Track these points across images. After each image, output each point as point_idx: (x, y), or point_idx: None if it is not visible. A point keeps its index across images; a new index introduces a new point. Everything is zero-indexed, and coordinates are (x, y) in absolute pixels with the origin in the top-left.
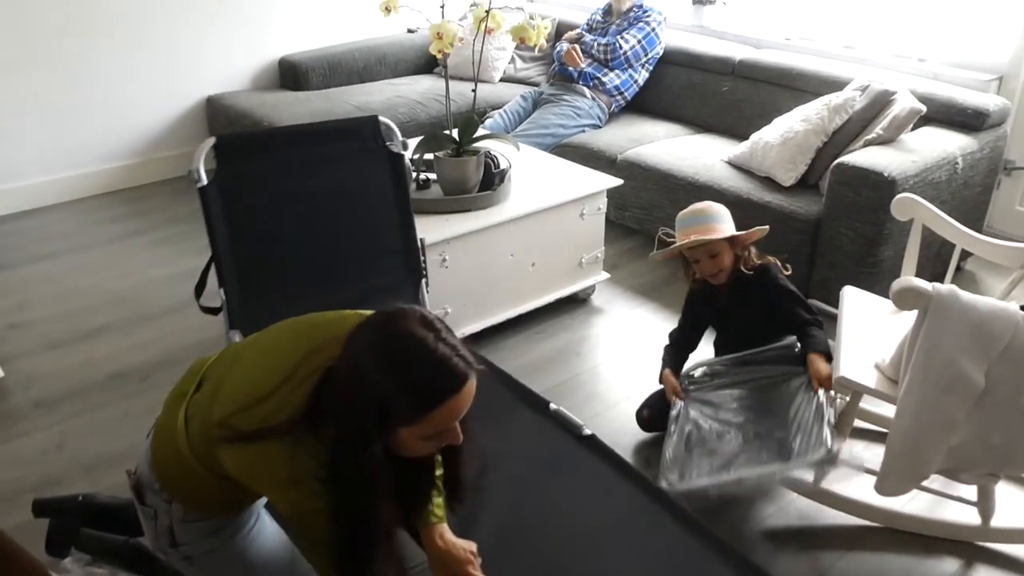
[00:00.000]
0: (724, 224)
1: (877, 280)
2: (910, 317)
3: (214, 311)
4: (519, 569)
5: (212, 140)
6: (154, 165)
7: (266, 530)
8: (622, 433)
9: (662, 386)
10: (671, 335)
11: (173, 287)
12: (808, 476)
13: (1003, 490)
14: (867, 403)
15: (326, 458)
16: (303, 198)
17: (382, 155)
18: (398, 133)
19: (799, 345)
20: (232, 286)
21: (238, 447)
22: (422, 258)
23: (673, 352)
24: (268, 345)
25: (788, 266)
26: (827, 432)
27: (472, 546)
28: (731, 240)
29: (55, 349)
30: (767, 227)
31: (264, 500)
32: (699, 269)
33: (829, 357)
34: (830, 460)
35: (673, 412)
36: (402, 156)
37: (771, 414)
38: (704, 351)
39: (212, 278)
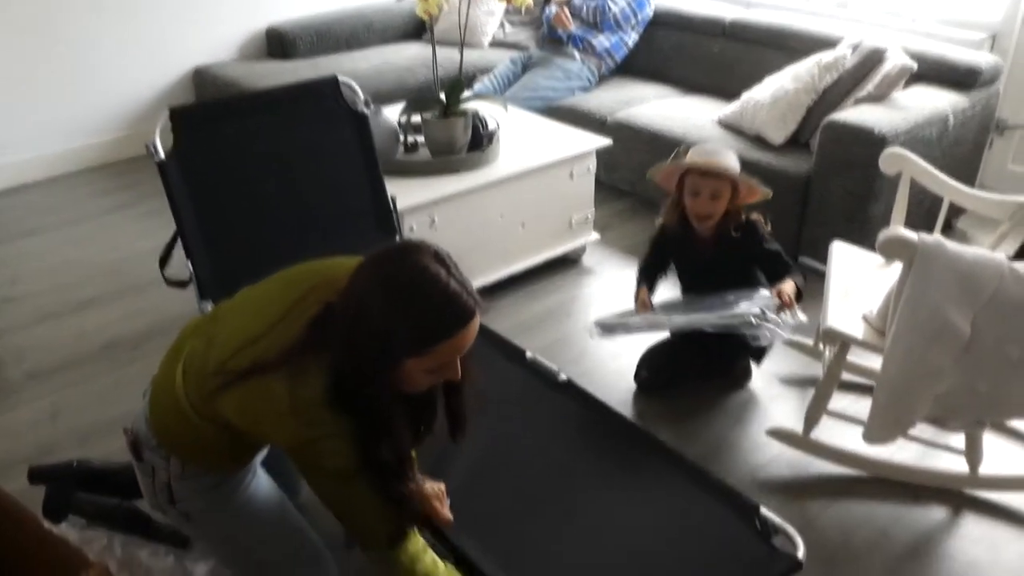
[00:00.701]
0: (735, 170)
1: (867, 237)
2: (898, 270)
3: (181, 284)
4: (494, 506)
5: (166, 112)
6: (142, 138)
7: (262, 486)
8: (615, 390)
9: (648, 332)
10: (642, 265)
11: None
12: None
13: (990, 439)
14: (855, 356)
15: (328, 390)
16: (266, 164)
17: (345, 116)
18: (360, 92)
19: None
20: (200, 258)
21: (236, 389)
22: (395, 216)
23: (647, 275)
24: (261, 293)
25: (770, 224)
26: (767, 304)
27: (440, 486)
28: (733, 191)
29: (47, 321)
30: (770, 191)
31: (261, 457)
32: (694, 205)
33: (800, 293)
34: (764, 316)
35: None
36: (366, 116)
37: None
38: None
39: (179, 252)
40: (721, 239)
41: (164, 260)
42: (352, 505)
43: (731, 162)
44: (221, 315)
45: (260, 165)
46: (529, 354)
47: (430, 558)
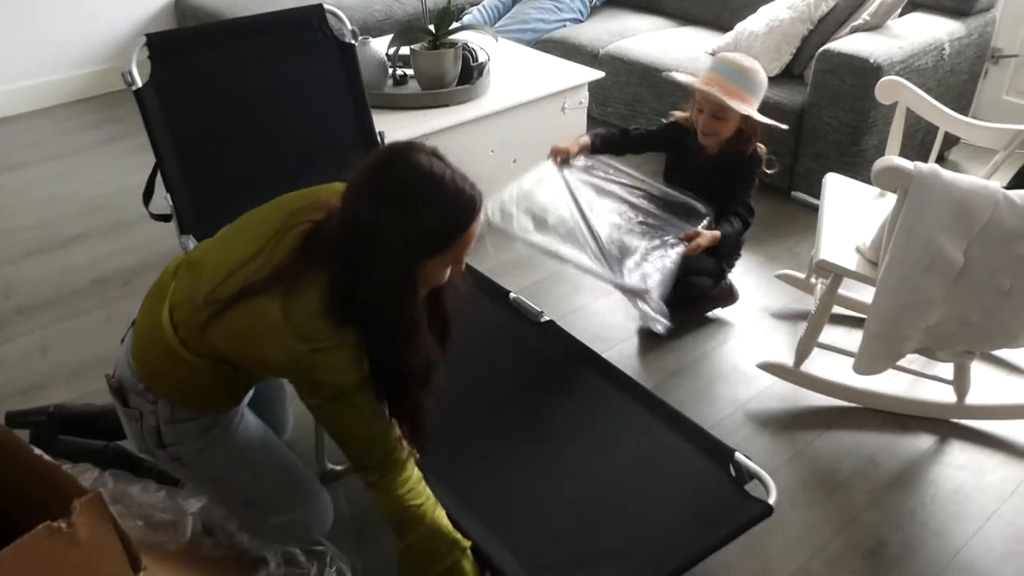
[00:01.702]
0: (754, 98)
1: (861, 170)
2: (893, 201)
3: (165, 218)
4: (466, 449)
5: (143, 39)
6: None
7: (251, 426)
8: (604, 327)
9: None
10: (619, 128)
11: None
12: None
13: (977, 368)
14: (847, 290)
15: (326, 303)
16: (248, 94)
17: (331, 46)
18: (347, 22)
19: (708, 220)
20: (179, 191)
21: (228, 313)
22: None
23: (610, 137)
24: (246, 221)
25: (774, 163)
26: (657, 279)
27: None
28: (744, 118)
29: (34, 256)
30: (786, 126)
31: (248, 397)
32: (698, 120)
33: (719, 247)
34: (641, 295)
35: (546, 164)
36: (352, 46)
37: (628, 234)
38: None
39: (162, 185)
40: (724, 154)
41: (148, 193)
42: (350, 424)
43: (748, 92)
44: (207, 248)
45: (241, 96)
46: (512, 294)
47: (424, 488)
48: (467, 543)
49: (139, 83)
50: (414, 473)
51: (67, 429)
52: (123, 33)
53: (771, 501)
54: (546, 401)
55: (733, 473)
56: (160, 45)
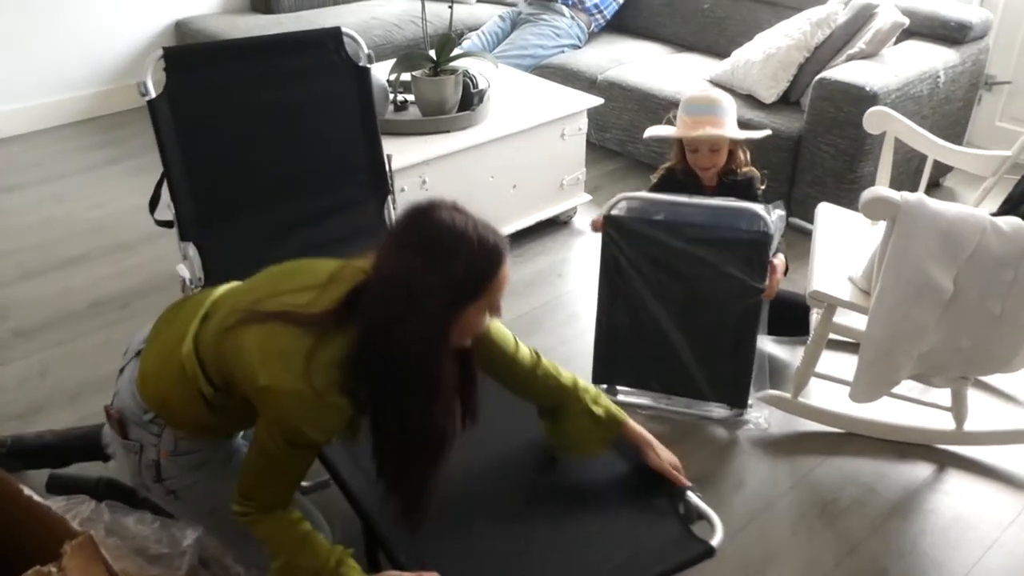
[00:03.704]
0: (732, 119)
1: (857, 197)
2: (883, 230)
3: (167, 224)
4: None
5: (160, 52)
6: (126, 92)
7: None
8: None
9: None
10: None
11: (157, 226)
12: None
13: (975, 395)
14: (842, 317)
15: (347, 360)
16: (260, 111)
17: (346, 69)
18: (363, 45)
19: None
20: (183, 200)
21: (257, 328)
22: (389, 174)
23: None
24: (299, 265)
25: (765, 177)
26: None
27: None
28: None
29: (32, 279)
30: (768, 131)
31: (240, 434)
32: (695, 159)
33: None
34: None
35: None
36: (368, 70)
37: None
38: None
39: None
40: (722, 183)
41: (154, 200)
42: (275, 468)
43: (724, 114)
44: (258, 277)
45: (252, 112)
46: None
47: (297, 518)
48: (348, 549)
49: (153, 94)
50: (292, 513)
51: (25, 460)
52: (124, 55)
53: (714, 543)
54: (503, 429)
55: (682, 511)
56: (176, 59)
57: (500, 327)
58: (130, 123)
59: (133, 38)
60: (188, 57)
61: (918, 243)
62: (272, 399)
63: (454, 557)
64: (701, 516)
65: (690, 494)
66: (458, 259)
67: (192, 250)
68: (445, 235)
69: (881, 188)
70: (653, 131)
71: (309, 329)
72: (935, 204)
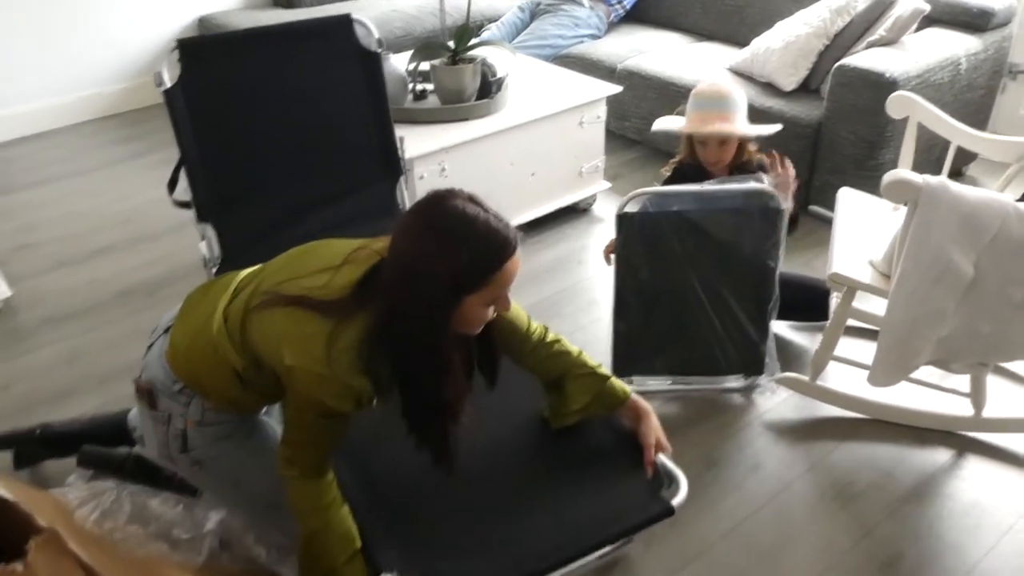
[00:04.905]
0: (741, 114)
1: (877, 184)
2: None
3: (185, 205)
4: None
5: (175, 43)
6: (150, 88)
7: (270, 431)
8: None
9: None
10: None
11: (175, 207)
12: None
13: (995, 382)
14: (862, 303)
15: (364, 340)
16: (272, 98)
17: (357, 55)
18: (374, 31)
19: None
20: (200, 184)
21: (278, 311)
22: (401, 158)
23: None
24: (316, 247)
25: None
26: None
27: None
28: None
29: (61, 269)
30: (780, 125)
31: (267, 408)
32: (704, 153)
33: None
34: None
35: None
36: (378, 55)
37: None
38: None
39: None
40: (733, 175)
41: (172, 183)
42: (312, 434)
43: (733, 109)
44: (277, 259)
45: (266, 98)
46: None
47: (332, 490)
48: (358, 544)
49: (168, 84)
50: (329, 476)
51: (52, 447)
52: (148, 52)
53: (674, 503)
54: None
55: (653, 475)
56: (190, 49)
57: (514, 305)
58: (153, 118)
59: (157, 35)
60: (201, 48)
61: (939, 226)
62: (298, 378)
63: (431, 516)
64: (671, 477)
65: (660, 456)
66: (464, 249)
67: (210, 230)
68: (455, 224)
69: (903, 171)
70: (661, 124)
71: (328, 315)
72: (957, 187)
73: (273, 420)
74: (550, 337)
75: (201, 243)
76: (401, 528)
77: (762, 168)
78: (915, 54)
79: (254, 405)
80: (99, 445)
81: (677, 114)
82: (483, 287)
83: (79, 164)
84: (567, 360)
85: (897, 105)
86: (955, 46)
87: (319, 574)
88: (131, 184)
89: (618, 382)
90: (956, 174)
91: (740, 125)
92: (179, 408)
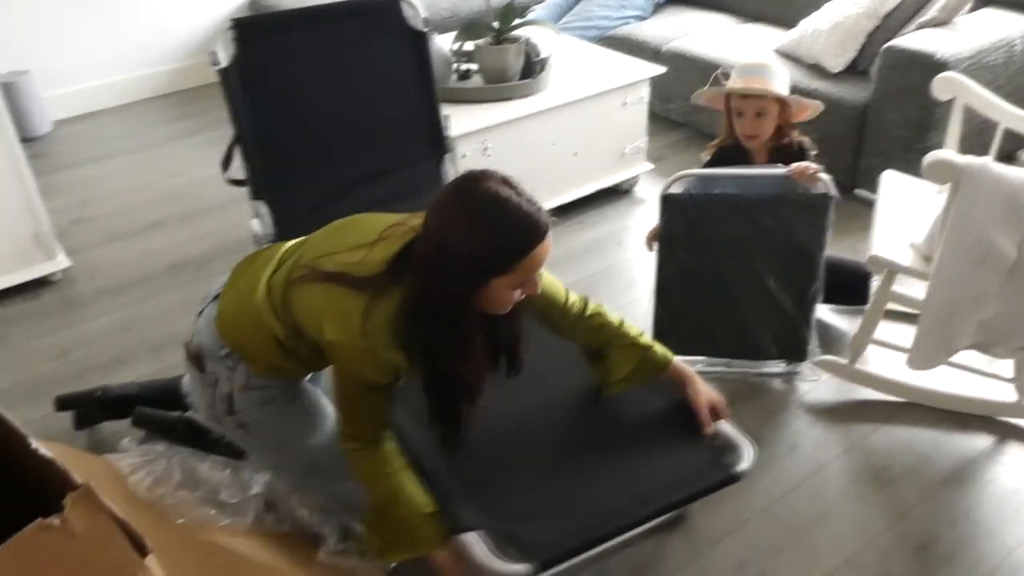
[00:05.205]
0: (782, 84)
1: None
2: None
3: (240, 183)
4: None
5: (230, 23)
6: (204, 67)
7: (314, 396)
8: None
9: None
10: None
11: (228, 184)
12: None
13: None
14: (903, 286)
15: (397, 315)
16: (322, 76)
17: (404, 33)
18: (421, 10)
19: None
20: (255, 161)
21: (317, 286)
22: (446, 135)
23: None
24: (354, 221)
25: (815, 145)
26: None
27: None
28: (781, 107)
29: (117, 242)
30: (822, 104)
31: (311, 375)
32: (740, 125)
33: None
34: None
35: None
36: (424, 34)
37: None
38: None
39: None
40: (774, 157)
41: (226, 161)
42: (361, 406)
43: (774, 79)
44: (317, 234)
45: (316, 77)
46: None
47: (396, 457)
48: (433, 507)
49: (224, 63)
50: (389, 445)
51: (109, 410)
52: (202, 31)
53: (738, 469)
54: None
55: (713, 437)
56: (244, 29)
57: (551, 280)
58: (207, 97)
59: (210, 15)
60: (255, 27)
61: (982, 208)
62: (339, 353)
63: (502, 482)
64: (733, 445)
65: (722, 423)
66: (493, 232)
67: (264, 207)
68: (485, 206)
69: (944, 151)
70: (701, 92)
71: (363, 291)
72: (1000, 168)
73: (319, 389)
74: (590, 309)
75: (253, 220)
76: (475, 491)
77: (803, 151)
78: (967, 35)
79: (296, 372)
80: (154, 407)
81: (711, 86)
82: (511, 270)
83: (135, 141)
84: (608, 331)
85: (943, 86)
86: (1010, 27)
87: (397, 538)
88: (184, 161)
89: (660, 348)
90: (1008, 158)
91: (779, 88)
92: (225, 372)
